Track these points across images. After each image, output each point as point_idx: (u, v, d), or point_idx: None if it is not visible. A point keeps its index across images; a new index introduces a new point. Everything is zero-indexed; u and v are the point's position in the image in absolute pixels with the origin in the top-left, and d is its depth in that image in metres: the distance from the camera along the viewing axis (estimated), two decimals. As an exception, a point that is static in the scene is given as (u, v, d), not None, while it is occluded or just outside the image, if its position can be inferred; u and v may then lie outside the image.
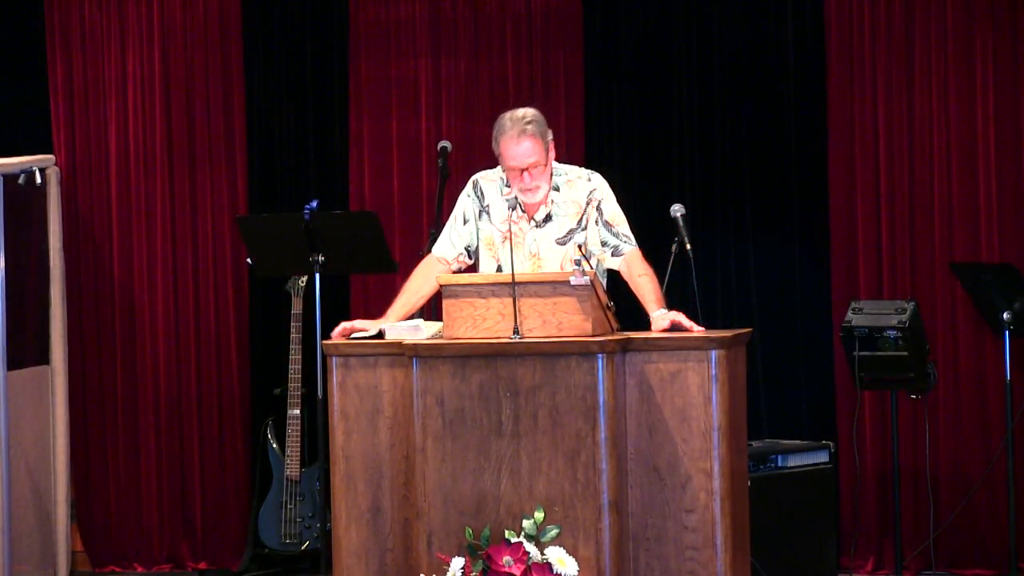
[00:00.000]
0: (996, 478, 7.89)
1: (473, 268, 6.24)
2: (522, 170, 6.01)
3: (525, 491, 5.52)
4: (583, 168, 6.22)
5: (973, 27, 8.04)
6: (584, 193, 6.11)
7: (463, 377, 5.57)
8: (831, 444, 7.54)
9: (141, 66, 8.68)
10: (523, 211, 6.12)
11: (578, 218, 6.09)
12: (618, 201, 6.19)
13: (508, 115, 6.04)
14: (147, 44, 8.68)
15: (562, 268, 6.05)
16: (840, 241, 8.20)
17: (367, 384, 5.78)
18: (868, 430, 8.09)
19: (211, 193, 8.67)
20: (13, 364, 8.14)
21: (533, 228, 6.10)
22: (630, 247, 6.12)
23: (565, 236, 6.09)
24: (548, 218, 6.11)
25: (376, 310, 8.33)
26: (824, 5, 8.19)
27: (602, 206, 6.10)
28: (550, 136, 6.07)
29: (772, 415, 8.18)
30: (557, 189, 6.12)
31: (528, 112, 6.05)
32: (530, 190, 6.05)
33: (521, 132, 5.98)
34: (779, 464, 7.33)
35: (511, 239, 6.01)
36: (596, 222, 6.09)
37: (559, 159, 6.19)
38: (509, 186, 6.12)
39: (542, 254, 6.08)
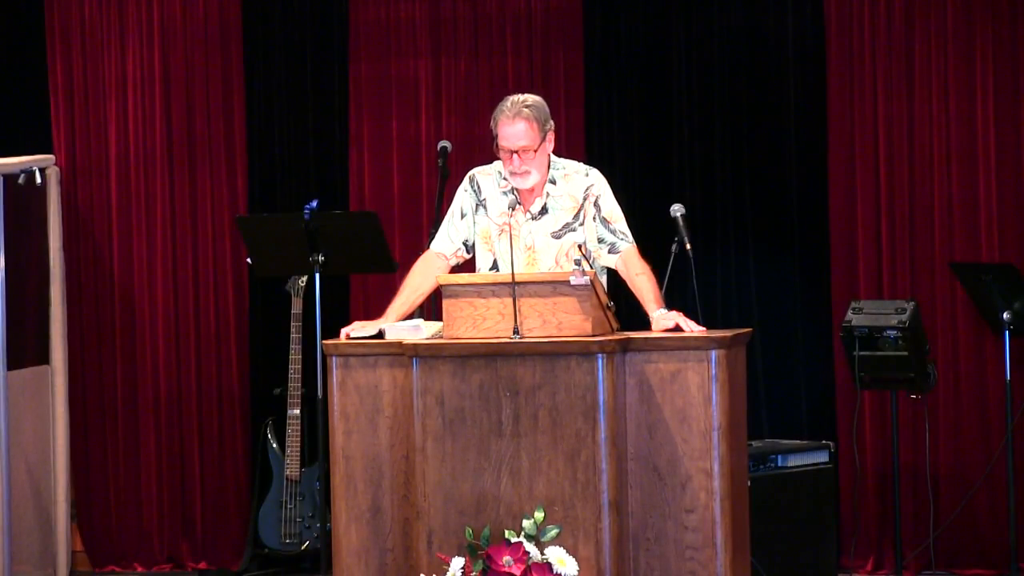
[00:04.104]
0: (996, 478, 7.89)
1: (471, 263, 6.24)
2: (512, 152, 6.00)
3: (525, 491, 5.52)
4: (582, 164, 6.21)
5: (973, 27, 8.04)
6: (581, 188, 6.10)
7: (463, 377, 5.57)
8: (831, 444, 7.54)
9: (141, 66, 8.68)
10: (519, 203, 6.12)
11: (574, 213, 6.08)
12: (618, 200, 6.18)
13: (511, 97, 6.05)
14: (147, 44, 8.68)
15: (557, 262, 6.05)
16: (840, 241, 8.20)
17: (367, 384, 5.78)
18: (868, 430, 8.09)
19: (211, 193, 8.67)
20: (13, 364, 8.14)
21: (529, 220, 6.09)
22: (627, 244, 6.11)
23: (561, 230, 6.08)
24: (544, 211, 6.09)
25: (376, 310, 8.32)
26: (824, 5, 8.19)
27: (600, 202, 6.09)
28: (550, 125, 6.05)
29: (772, 415, 8.18)
30: (554, 182, 6.11)
31: (530, 97, 6.06)
32: (519, 175, 6.02)
33: (517, 114, 5.98)
34: (779, 464, 7.33)
35: (510, 231, 6.01)
36: (594, 218, 6.09)
37: (558, 155, 6.18)
38: (507, 179, 6.12)
39: (537, 247, 6.07)
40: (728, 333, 5.72)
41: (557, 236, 6.07)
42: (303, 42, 8.69)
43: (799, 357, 8.25)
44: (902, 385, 7.66)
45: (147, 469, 8.68)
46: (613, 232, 6.10)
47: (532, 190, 6.09)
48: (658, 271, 6.18)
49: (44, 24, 8.75)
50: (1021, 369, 7.82)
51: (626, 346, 5.60)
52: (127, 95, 8.70)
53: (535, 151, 6.01)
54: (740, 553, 5.72)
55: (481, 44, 8.52)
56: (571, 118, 8.39)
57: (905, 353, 7.50)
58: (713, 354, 5.58)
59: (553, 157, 6.14)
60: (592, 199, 6.08)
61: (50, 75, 8.75)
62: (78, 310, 8.69)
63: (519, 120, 5.98)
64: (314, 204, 7.47)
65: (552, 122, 6.09)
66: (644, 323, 5.93)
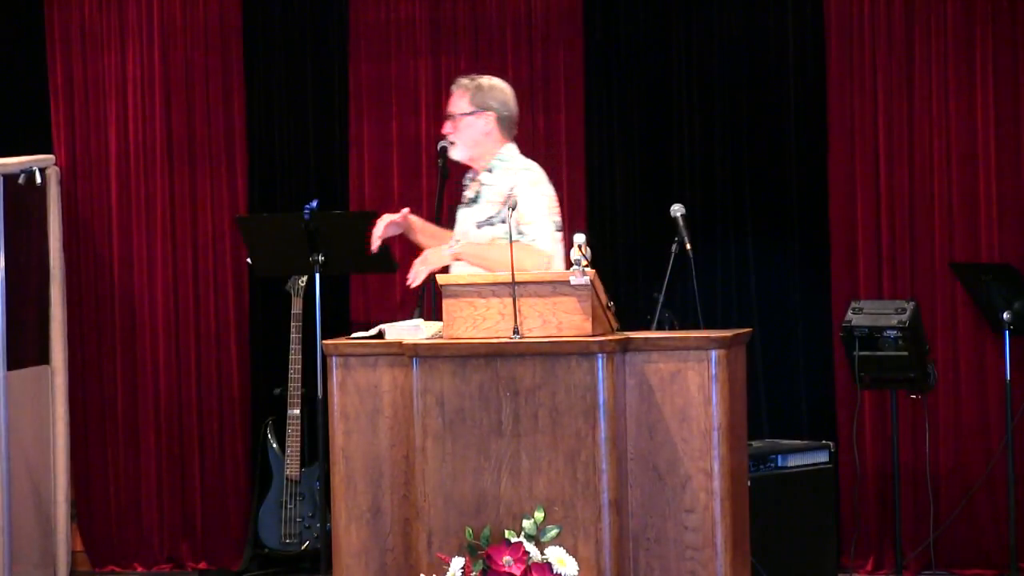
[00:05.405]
0: (996, 478, 7.89)
1: None
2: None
3: (525, 491, 5.52)
4: (528, 163, 6.22)
5: (973, 27, 8.04)
6: (508, 186, 6.13)
7: (463, 377, 5.57)
8: (831, 444, 7.54)
9: (141, 66, 8.68)
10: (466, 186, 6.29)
11: (497, 208, 6.13)
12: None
13: None
14: (147, 44, 8.68)
15: None
16: (840, 241, 8.19)
17: (367, 384, 5.78)
18: (868, 430, 8.09)
19: (211, 193, 8.67)
20: (13, 364, 8.14)
21: (464, 207, 6.26)
22: (519, 238, 6.01)
23: (484, 221, 6.15)
24: (476, 198, 6.17)
25: (376, 310, 8.39)
26: (824, 5, 8.19)
27: (518, 204, 6.07)
28: (490, 106, 6.17)
29: (772, 415, 8.18)
30: (491, 171, 6.19)
31: (485, 77, 6.26)
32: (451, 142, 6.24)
33: (457, 83, 6.24)
34: (779, 464, 7.33)
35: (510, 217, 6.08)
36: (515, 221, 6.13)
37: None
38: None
39: (471, 235, 6.15)
40: (728, 333, 5.72)
41: (480, 226, 6.13)
42: (303, 42, 8.68)
43: (799, 357, 8.25)
44: (902, 385, 7.66)
45: (147, 469, 8.68)
46: (523, 234, 6.05)
47: (479, 172, 6.22)
48: (658, 271, 6.18)
49: (44, 24, 8.75)
50: (1021, 369, 7.81)
51: (626, 346, 5.60)
52: (127, 95, 8.70)
53: (455, 119, 6.17)
54: (740, 553, 5.72)
55: (481, 44, 8.52)
56: (571, 118, 8.39)
57: (905, 353, 7.50)
58: (713, 354, 5.58)
59: (509, 150, 6.21)
60: (512, 201, 6.05)
61: (50, 75, 8.75)
62: (78, 310, 8.69)
63: (455, 89, 6.23)
64: (314, 204, 7.47)
65: (504, 111, 6.19)
66: (644, 323, 5.93)
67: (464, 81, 6.23)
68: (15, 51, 8.82)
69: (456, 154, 6.23)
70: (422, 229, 6.26)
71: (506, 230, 5.96)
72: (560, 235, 6.15)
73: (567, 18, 8.45)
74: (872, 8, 8.13)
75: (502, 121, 6.19)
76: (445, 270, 6.14)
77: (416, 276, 6.06)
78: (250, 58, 8.70)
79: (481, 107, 6.17)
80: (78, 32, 8.74)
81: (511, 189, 6.09)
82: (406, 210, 6.26)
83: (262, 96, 8.70)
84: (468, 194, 6.25)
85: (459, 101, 6.20)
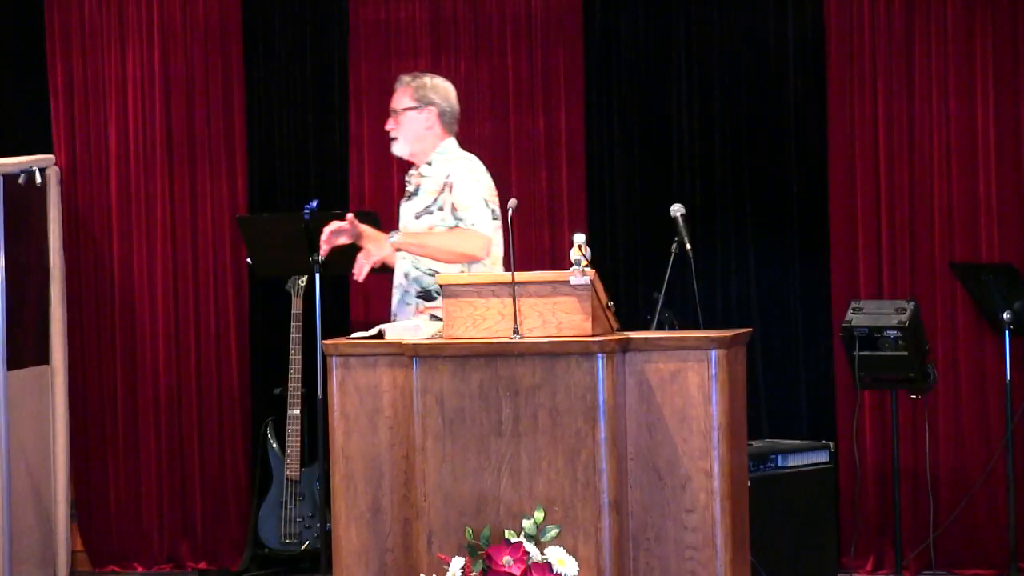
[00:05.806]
0: (996, 478, 7.89)
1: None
2: None
3: (525, 491, 5.52)
4: (466, 154, 6.33)
5: (973, 27, 8.04)
6: (444, 174, 6.22)
7: (463, 377, 5.57)
8: (831, 444, 7.53)
9: (141, 66, 8.68)
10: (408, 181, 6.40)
11: (434, 197, 6.20)
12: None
13: None
14: (147, 44, 8.68)
15: None
16: (840, 241, 8.19)
17: (367, 384, 5.78)
18: (868, 430, 8.09)
19: (211, 193, 8.67)
20: (13, 364, 8.14)
21: (406, 200, 6.33)
22: (462, 224, 6.17)
23: (423, 211, 6.24)
24: (416, 191, 6.27)
25: (376, 310, 8.39)
26: (824, 5, 8.19)
27: (454, 191, 6.19)
28: (431, 101, 6.30)
29: (772, 415, 8.18)
30: (430, 164, 6.29)
31: (428, 76, 6.39)
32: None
33: (401, 81, 6.36)
34: (779, 464, 7.33)
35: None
36: (452, 207, 6.19)
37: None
38: None
39: (409, 226, 6.23)
40: (728, 333, 5.72)
41: (418, 216, 6.23)
42: (303, 42, 8.68)
43: (799, 357, 8.25)
44: (902, 385, 7.66)
45: (147, 469, 8.68)
46: (460, 220, 6.15)
47: (420, 167, 6.32)
48: (658, 271, 6.18)
49: (44, 24, 8.75)
50: (1021, 369, 7.82)
51: (626, 346, 5.61)
52: (127, 95, 8.70)
53: (397, 115, 6.29)
54: (740, 553, 5.73)
55: (481, 44, 8.52)
56: (571, 118, 8.39)
57: (905, 353, 7.50)
58: (713, 354, 5.58)
59: (449, 144, 6.31)
60: (449, 188, 6.18)
61: (50, 75, 8.75)
62: (78, 310, 8.69)
63: (398, 86, 6.36)
64: (314, 204, 7.47)
65: (445, 106, 6.32)
66: (644, 323, 5.93)
67: (406, 78, 6.35)
68: (15, 51, 8.82)
69: (397, 149, 6.35)
70: (370, 236, 6.26)
71: (443, 217, 6.04)
72: (497, 223, 6.23)
73: (567, 18, 8.45)
74: (872, 8, 8.13)
75: (443, 116, 6.32)
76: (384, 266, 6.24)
77: (360, 269, 6.13)
78: (250, 58, 8.70)
79: (423, 102, 6.30)
80: (78, 32, 8.73)
81: (447, 176, 6.16)
82: (350, 215, 6.28)
83: (262, 96, 8.70)
84: (409, 188, 6.35)
85: (402, 97, 6.32)
